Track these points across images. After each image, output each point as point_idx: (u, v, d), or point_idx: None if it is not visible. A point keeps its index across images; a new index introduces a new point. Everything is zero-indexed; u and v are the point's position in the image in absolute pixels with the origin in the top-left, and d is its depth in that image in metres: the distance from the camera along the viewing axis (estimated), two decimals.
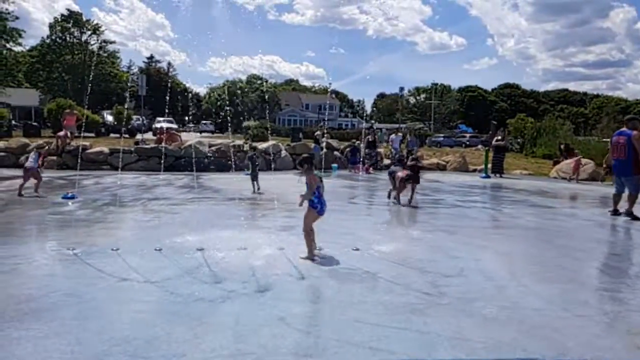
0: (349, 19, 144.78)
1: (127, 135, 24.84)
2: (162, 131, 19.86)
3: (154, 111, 55.49)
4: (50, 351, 3.53)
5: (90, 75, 48.85)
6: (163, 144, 18.21)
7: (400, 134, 23.58)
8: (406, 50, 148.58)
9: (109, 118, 31.95)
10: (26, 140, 18.90)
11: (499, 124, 27.67)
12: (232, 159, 17.79)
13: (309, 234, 6.12)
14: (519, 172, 21.03)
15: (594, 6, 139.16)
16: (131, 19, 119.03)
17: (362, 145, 21.39)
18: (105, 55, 59.16)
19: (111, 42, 61.69)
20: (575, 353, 3.76)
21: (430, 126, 64.68)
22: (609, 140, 11.64)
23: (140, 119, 32.68)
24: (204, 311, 4.39)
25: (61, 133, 18.27)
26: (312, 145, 20.92)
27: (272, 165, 18.69)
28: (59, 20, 56.57)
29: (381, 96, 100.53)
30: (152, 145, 18.74)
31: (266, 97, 63.89)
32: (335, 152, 21.39)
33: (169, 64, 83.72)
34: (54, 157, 17.48)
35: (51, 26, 56.90)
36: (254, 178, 12.72)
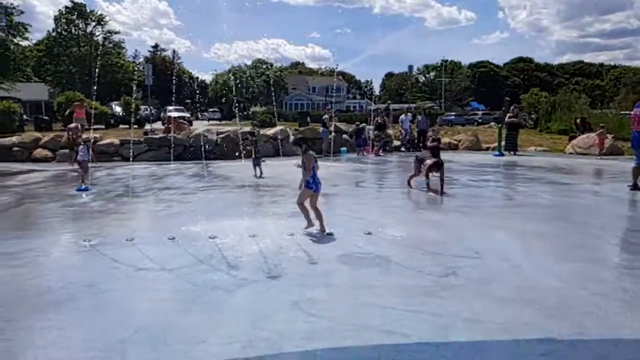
0: None
1: (136, 126, 24.93)
2: (170, 120, 19.87)
3: (162, 100, 55.56)
4: (71, 340, 3.61)
5: (97, 67, 48.94)
6: (172, 134, 18.25)
7: (409, 114, 23.32)
8: (414, 27, 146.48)
9: (118, 109, 32.03)
10: (38, 135, 19.06)
11: (511, 99, 27.29)
12: (240, 146, 17.79)
13: (302, 205, 6.61)
14: (534, 149, 20.75)
15: None
16: (134, 8, 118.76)
17: (370, 127, 21.26)
18: (110, 45, 59.13)
19: (116, 33, 61.57)
20: (594, 332, 3.74)
21: (440, 105, 64.02)
22: (627, 112, 11.41)
23: (148, 108, 32.77)
24: (219, 298, 4.44)
25: (72, 125, 18.38)
26: (320, 129, 20.83)
27: (280, 151, 18.68)
28: (64, 12, 56.56)
29: (389, 75, 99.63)
30: (161, 135, 18.79)
31: (272, 81, 63.57)
32: (344, 136, 21.29)
33: (174, 52, 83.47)
34: (66, 150, 17.61)
35: (56, 19, 56.91)
36: (256, 163, 12.83)
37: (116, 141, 17.90)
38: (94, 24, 57.71)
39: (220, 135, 18.96)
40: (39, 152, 17.74)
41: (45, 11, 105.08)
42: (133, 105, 27.01)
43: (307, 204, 6.68)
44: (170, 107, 33.73)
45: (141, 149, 17.42)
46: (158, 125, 25.79)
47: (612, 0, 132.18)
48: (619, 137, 18.87)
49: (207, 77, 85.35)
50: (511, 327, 3.81)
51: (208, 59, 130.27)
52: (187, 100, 58.87)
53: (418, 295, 4.45)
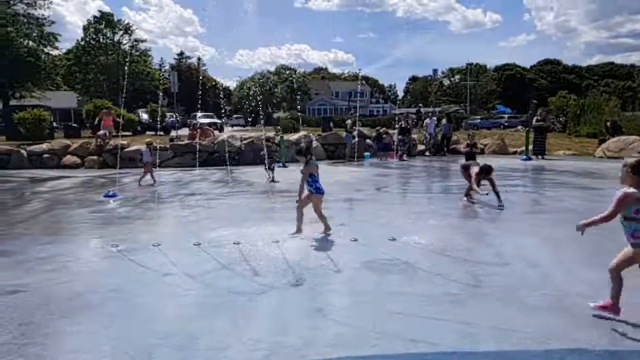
0: (377, 2, 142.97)
1: (161, 133, 25.35)
2: (195, 127, 20.16)
3: (187, 107, 56.39)
4: (100, 345, 3.67)
5: (125, 75, 50.03)
6: (197, 140, 18.50)
7: (434, 117, 23.11)
8: (438, 31, 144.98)
9: (144, 116, 32.65)
10: (67, 142, 19.56)
11: (539, 102, 26.77)
12: (265, 152, 17.91)
13: (320, 216, 6.79)
14: (562, 153, 20.30)
15: None
16: (160, 17, 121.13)
17: (393, 131, 21.15)
18: (137, 54, 60.40)
19: (142, 41, 62.85)
20: (627, 343, 3.62)
21: (466, 108, 63.24)
22: None
23: (174, 115, 33.30)
24: (243, 304, 4.46)
25: (100, 132, 18.85)
26: (344, 134, 20.82)
27: None
28: (92, 22, 58.07)
29: (413, 79, 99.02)
30: (186, 141, 19.07)
31: (295, 86, 63.92)
32: (367, 140, 21.24)
33: (199, 59, 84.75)
34: (94, 157, 18.04)
35: (85, 28, 58.46)
36: (270, 168, 13.19)
37: (143, 148, 18.21)
38: (121, 32, 59.06)
39: (244, 142, 19.13)
40: (68, 158, 18.20)
41: (74, 21, 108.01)
42: (159, 113, 27.49)
43: (305, 209, 6.90)
44: (199, 114, 34.31)
45: (167, 156, 17.71)
46: (184, 132, 26.14)
47: None
48: None
49: (231, 84, 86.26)
50: (540, 337, 3.71)
51: (232, 65, 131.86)
52: (210, 106, 59.61)
53: (444, 303, 4.38)
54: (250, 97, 64.50)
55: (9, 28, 33.29)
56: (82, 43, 57.76)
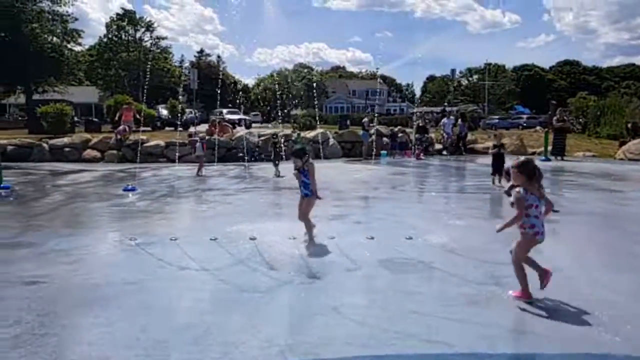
0: (395, 2, 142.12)
1: (181, 129, 25.58)
2: (214, 123, 20.29)
3: (206, 104, 56.83)
4: (117, 338, 3.69)
5: (147, 72, 50.63)
6: (215, 136, 18.61)
7: (452, 117, 22.87)
8: (456, 31, 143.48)
9: (164, 112, 32.98)
10: (88, 136, 19.85)
11: (558, 103, 26.36)
12: (282, 148, 17.95)
13: (308, 221, 6.33)
14: (582, 154, 19.92)
15: None
16: (181, 15, 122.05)
17: (410, 130, 21.01)
18: (158, 51, 61.02)
19: (163, 38, 63.43)
20: None
21: (484, 108, 62.51)
22: None
23: (193, 112, 33.54)
24: (259, 300, 4.45)
25: (120, 128, 19.10)
26: (360, 132, 20.74)
27: (321, 153, 18.71)
28: (115, 19, 58.84)
29: (431, 79, 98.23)
30: (206, 137, 19.20)
31: (314, 85, 63.90)
32: (384, 139, 21.13)
33: (219, 57, 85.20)
34: (114, 151, 18.27)
35: (107, 25, 59.28)
36: (276, 163, 13.71)
37: (162, 143, 18.42)
38: (143, 30, 59.74)
39: (262, 138, 19.19)
40: (89, 152, 18.47)
41: (97, 18, 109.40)
42: (179, 109, 27.70)
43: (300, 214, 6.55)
44: (225, 110, 34.63)
45: (186, 151, 17.85)
46: (203, 127, 26.32)
47: None
48: None
49: (250, 81, 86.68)
50: (560, 340, 3.63)
51: (250, 63, 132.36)
52: (229, 102, 59.95)
53: (461, 304, 4.31)
54: (268, 94, 64.78)
55: (34, 24, 33.83)
56: (105, 40, 58.58)
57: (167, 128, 28.95)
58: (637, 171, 14.94)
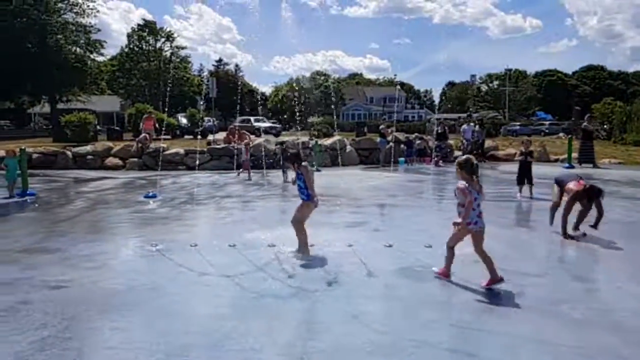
0: (413, 8, 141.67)
1: (200, 137, 25.88)
2: (232, 132, 20.46)
3: (224, 112, 57.39)
4: (138, 342, 3.74)
5: (167, 81, 51.54)
6: (233, 144, 18.77)
7: (472, 123, 22.67)
8: (476, 37, 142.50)
9: (183, 120, 33.43)
10: (110, 144, 20.19)
11: (582, 109, 25.93)
12: (279, 155, 18.01)
13: (300, 229, 5.98)
14: (607, 161, 19.52)
15: None
16: (199, 24, 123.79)
17: (430, 137, 20.90)
18: (177, 60, 61.98)
19: (183, 48, 64.51)
20: None
21: (504, 114, 61.84)
22: None
23: (212, 120, 33.91)
24: (277, 306, 4.47)
25: (141, 136, 19.41)
26: (378, 139, 20.70)
27: (339, 161, 18.71)
28: (136, 29, 60.04)
29: (450, 85, 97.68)
30: (223, 145, 19.38)
31: (332, 93, 64.12)
32: (402, 146, 21.05)
33: (237, 65, 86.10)
34: (135, 159, 18.55)
35: (129, 36, 60.50)
36: (285, 170, 14.12)
37: (181, 151, 18.63)
38: (163, 40, 60.79)
39: (279, 145, 19.27)
40: (111, 160, 18.76)
41: (118, 28, 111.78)
42: (198, 117, 28.02)
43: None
44: (252, 118, 35.09)
45: (204, 159, 18.04)
46: (221, 135, 26.57)
47: None
48: None
49: (267, 89, 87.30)
50: (585, 352, 3.56)
51: (268, 71, 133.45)
52: (247, 111, 60.44)
53: (483, 313, 4.26)
54: (285, 102, 65.16)
55: (59, 36, 34.73)
56: (126, 50, 59.73)
57: (186, 136, 29.30)
58: None
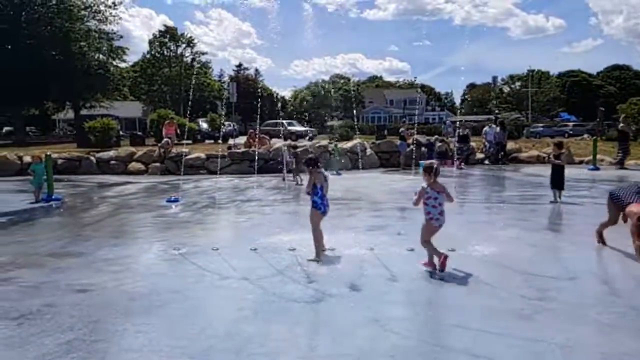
0: (433, 10, 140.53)
1: (220, 141, 26.11)
2: (252, 136, 20.60)
3: (244, 117, 57.85)
4: (161, 345, 3.77)
5: (189, 87, 52.27)
6: (253, 148, 18.89)
7: (493, 125, 22.35)
8: (497, 37, 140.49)
9: (204, 125, 33.78)
10: (133, 149, 20.51)
11: (607, 110, 25.38)
12: (290, 158, 18.02)
13: (316, 233, 6.08)
14: (634, 163, 19.07)
15: None
16: (219, 30, 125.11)
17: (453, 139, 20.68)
18: (198, 66, 62.75)
19: (203, 53, 65.35)
20: None
21: (527, 116, 60.91)
22: None
23: (232, 124, 34.24)
24: (299, 311, 4.46)
25: (163, 141, 19.70)
26: (398, 142, 20.57)
27: (359, 164, 18.66)
28: (157, 36, 61.04)
29: (471, 86, 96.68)
30: (243, 149, 19.52)
31: (352, 96, 64.11)
32: (423, 149, 20.88)
33: (256, 70, 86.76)
34: (158, 164, 18.81)
35: (150, 42, 61.55)
36: (297, 172, 14.35)
37: (202, 155, 18.82)
38: (184, 45, 61.63)
39: (299, 149, 19.31)
40: (133, 165, 19.06)
41: (140, 35, 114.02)
42: (219, 122, 28.28)
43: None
44: (285, 122, 35.41)
45: (225, 163, 18.18)
46: (241, 140, 26.80)
47: None
48: None
49: (286, 93, 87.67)
50: (613, 357, 3.46)
51: (287, 75, 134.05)
52: (266, 115, 60.80)
53: (507, 318, 4.18)
54: (305, 106, 65.38)
55: (82, 43, 35.52)
56: (148, 56, 60.73)
57: (207, 141, 29.60)
58: None
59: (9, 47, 32.09)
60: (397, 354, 3.56)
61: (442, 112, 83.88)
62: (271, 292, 4.93)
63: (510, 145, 22.14)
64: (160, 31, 61.45)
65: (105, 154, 19.48)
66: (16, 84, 30.27)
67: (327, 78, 76.25)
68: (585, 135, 32.59)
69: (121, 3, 38.29)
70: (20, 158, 18.70)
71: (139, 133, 30.72)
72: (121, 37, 40.62)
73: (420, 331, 3.96)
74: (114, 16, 37.90)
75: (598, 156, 18.06)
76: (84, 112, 36.96)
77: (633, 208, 5.88)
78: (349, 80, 76.90)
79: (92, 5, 36.95)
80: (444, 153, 20.56)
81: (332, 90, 68.92)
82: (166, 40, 60.48)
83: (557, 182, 10.07)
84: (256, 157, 17.41)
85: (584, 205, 10.12)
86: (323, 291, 4.91)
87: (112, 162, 19.14)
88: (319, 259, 5.98)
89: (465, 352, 3.57)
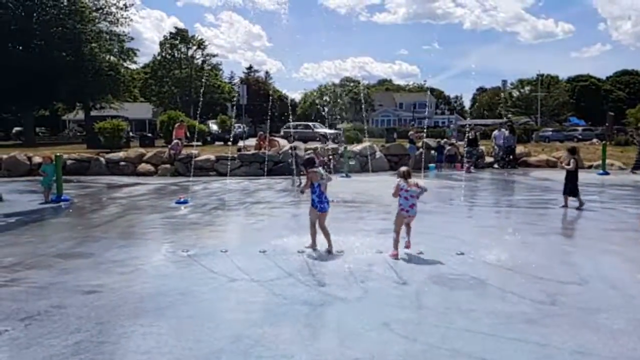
0: (443, 14, 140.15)
1: (230, 143, 26.20)
2: (261, 138, 20.64)
3: (254, 119, 58.01)
4: (170, 347, 3.77)
5: (200, 88, 52.53)
6: (263, 150, 18.93)
7: (503, 129, 22.21)
8: (507, 41, 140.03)
9: (214, 127, 33.92)
10: (142, 150, 20.63)
11: (616, 114, 25.19)
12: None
13: (316, 229, 6.59)
14: None
15: None
16: (230, 32, 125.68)
17: (461, 142, 20.58)
18: (209, 68, 63.04)
19: (214, 55, 65.67)
20: None
21: (536, 120, 60.51)
22: None
23: (241, 126, 34.38)
24: (308, 313, 4.45)
25: (173, 143, 19.80)
26: (407, 145, 20.52)
27: (369, 167, 18.62)
28: (168, 38, 61.43)
29: (481, 90, 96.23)
30: (253, 151, 19.57)
31: (362, 99, 64.05)
32: (432, 152, 20.80)
33: (267, 72, 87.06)
34: (167, 165, 18.90)
35: (161, 44, 61.93)
36: (297, 174, 14.63)
37: (212, 157, 18.87)
38: (194, 48, 61.94)
39: (308, 152, 19.31)
40: (143, 166, 19.15)
41: (151, 37, 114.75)
42: (229, 124, 28.36)
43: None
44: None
45: (234, 165, 18.22)
46: (251, 142, 26.88)
47: None
48: None
49: (296, 96, 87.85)
50: None
51: (297, 78, 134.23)
52: (276, 117, 60.89)
53: (517, 322, 4.14)
54: (316, 108, 65.39)
55: (93, 44, 35.84)
56: (158, 58, 61.06)
57: (216, 143, 29.71)
58: None
59: (20, 47, 32.45)
60: (406, 358, 3.53)
61: (452, 115, 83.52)
62: (280, 294, 4.92)
63: (519, 149, 22.01)
64: (171, 33, 61.83)
65: (114, 155, 19.59)
66: (27, 84, 30.59)
67: (336, 81, 76.26)
68: (595, 140, 32.34)
69: (132, 5, 38.59)
70: (29, 158, 18.87)
71: (149, 134, 30.91)
72: (132, 38, 40.99)
73: (429, 335, 3.92)
74: (125, 18, 38.25)
75: (607, 161, 17.92)
76: (94, 113, 37.25)
77: None
78: (358, 83, 76.88)
79: (103, 6, 37.33)
80: (454, 156, 20.47)
81: (342, 92, 68.91)
82: (177, 42, 60.81)
83: (568, 187, 9.89)
84: (266, 159, 17.46)
85: (595, 211, 10.01)
86: (332, 294, 4.90)
87: (122, 163, 19.24)
88: (314, 247, 6.53)
89: (474, 356, 3.54)
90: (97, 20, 36.95)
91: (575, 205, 9.79)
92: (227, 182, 15.24)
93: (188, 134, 21.44)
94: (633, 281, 5.24)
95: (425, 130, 21.41)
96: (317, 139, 30.64)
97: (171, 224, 9.00)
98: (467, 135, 20.52)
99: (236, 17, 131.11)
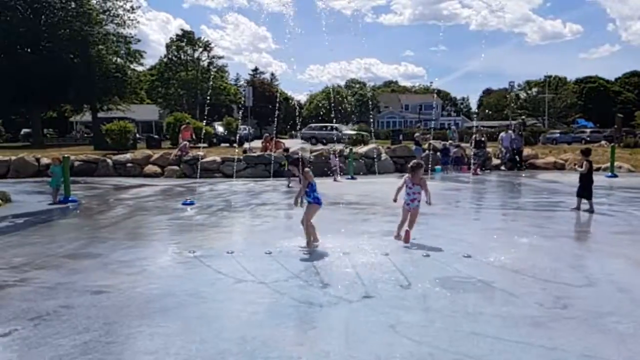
0: (449, 15, 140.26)
1: (235, 145, 26.27)
2: (267, 140, 20.68)
3: (260, 121, 58.17)
4: (177, 348, 3.78)
5: (206, 90, 52.75)
6: (269, 152, 18.97)
7: (510, 131, 22.13)
8: (514, 43, 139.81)
9: (220, 129, 34.01)
10: (149, 152, 20.74)
11: (624, 116, 25.04)
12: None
13: (308, 227, 6.83)
14: None
15: None
16: (236, 34, 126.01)
17: (466, 144, 20.53)
18: (215, 70, 63.25)
19: (220, 57, 65.87)
20: None
21: (544, 122, 60.24)
22: None
23: (247, 128, 34.45)
24: (314, 315, 4.45)
25: (180, 144, 19.90)
26: (413, 147, 20.49)
27: (375, 169, 18.61)
28: (174, 40, 61.73)
29: (487, 92, 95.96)
30: (259, 153, 19.61)
31: (369, 101, 64.04)
32: (438, 154, 20.76)
33: (272, 74, 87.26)
34: (174, 167, 18.98)
35: (168, 46, 62.31)
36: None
37: (218, 159, 18.94)
38: (200, 50, 62.22)
39: (314, 153, 19.34)
40: (149, 168, 19.25)
41: (157, 39, 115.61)
42: (234, 125, 28.42)
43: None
44: (337, 125, 35.74)
45: (240, 166, 18.27)
46: (257, 143, 26.94)
47: None
48: None
49: (302, 98, 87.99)
50: None
51: (303, 80, 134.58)
52: (281, 119, 60.96)
53: (525, 326, 4.11)
54: (322, 110, 65.43)
55: (100, 46, 36.08)
56: (165, 59, 61.38)
57: (222, 144, 29.78)
58: None
59: (28, 50, 32.73)
60: None
61: (458, 117, 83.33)
62: (286, 295, 4.92)
63: (526, 151, 21.93)
64: (177, 35, 62.25)
65: (121, 157, 19.70)
66: (35, 86, 30.81)
67: (342, 83, 76.37)
68: (603, 142, 32.14)
69: (139, 7, 38.88)
70: (37, 160, 19.02)
71: (156, 136, 31.04)
72: (139, 40, 41.23)
73: (436, 338, 3.91)
74: (132, 20, 38.52)
75: (616, 163, 17.81)
76: (101, 114, 37.46)
77: None
78: (364, 84, 76.91)
79: (110, 9, 37.58)
80: (460, 159, 20.43)
81: (348, 94, 68.96)
82: (183, 44, 61.12)
83: (581, 189, 9.76)
84: (272, 161, 17.49)
85: (603, 214, 9.94)
86: (338, 295, 4.89)
87: (129, 164, 19.35)
88: (311, 247, 6.73)
89: (481, 359, 3.53)
90: (104, 23, 37.22)
91: (586, 208, 9.71)
92: (232, 184, 15.29)
93: (194, 136, 21.55)
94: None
95: (432, 132, 21.37)
96: (343, 140, 30.56)
97: (177, 225, 9.03)
98: (473, 137, 20.47)
99: (242, 19, 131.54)
